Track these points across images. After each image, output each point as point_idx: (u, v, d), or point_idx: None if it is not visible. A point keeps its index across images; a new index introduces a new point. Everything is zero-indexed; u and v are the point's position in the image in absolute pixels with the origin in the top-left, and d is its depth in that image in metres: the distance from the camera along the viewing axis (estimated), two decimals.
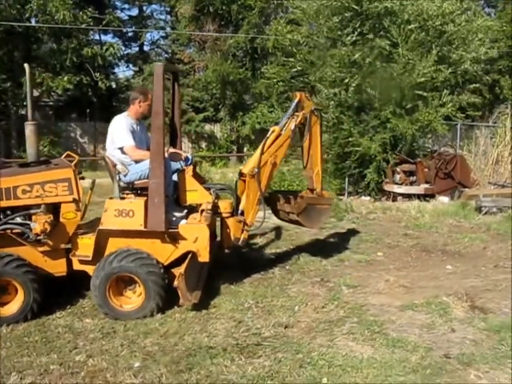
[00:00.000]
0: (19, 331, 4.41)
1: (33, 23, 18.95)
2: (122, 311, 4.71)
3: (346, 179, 12.20)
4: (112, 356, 3.95)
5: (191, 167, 5.20)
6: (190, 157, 5.45)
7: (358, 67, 11.17)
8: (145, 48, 26.86)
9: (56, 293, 5.02)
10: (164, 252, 4.94)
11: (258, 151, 5.41)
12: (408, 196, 11.05)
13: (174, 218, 5.06)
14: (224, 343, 4.10)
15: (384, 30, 11.28)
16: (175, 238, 4.90)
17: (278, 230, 8.27)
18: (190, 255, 4.90)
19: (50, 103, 23.48)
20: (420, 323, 4.51)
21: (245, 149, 23.60)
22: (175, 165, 5.22)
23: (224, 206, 5.26)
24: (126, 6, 25.47)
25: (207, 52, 22.87)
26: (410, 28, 11.54)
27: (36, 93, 20.56)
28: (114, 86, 23.80)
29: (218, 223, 5.66)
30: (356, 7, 11.22)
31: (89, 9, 19.26)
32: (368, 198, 11.85)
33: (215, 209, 5.20)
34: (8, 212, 4.77)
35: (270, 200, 5.61)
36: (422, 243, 7.51)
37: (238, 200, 5.34)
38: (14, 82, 18.81)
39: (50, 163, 5.19)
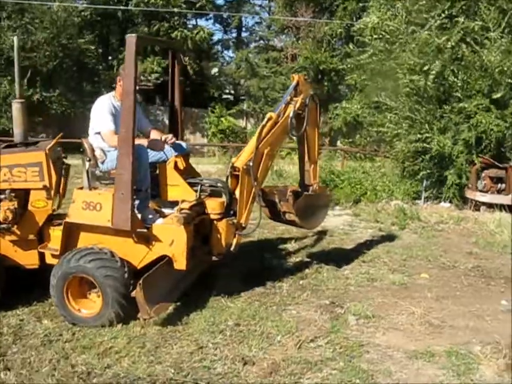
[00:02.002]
0: None
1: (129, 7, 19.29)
2: (79, 316, 4.15)
3: (424, 181, 10.77)
4: (32, 371, 3.41)
5: (173, 158, 4.48)
6: (184, 145, 4.73)
7: (439, 51, 9.65)
8: (243, 34, 26.59)
9: (33, 287, 4.61)
10: (137, 254, 4.31)
11: (254, 141, 4.54)
12: (492, 206, 9.44)
13: (150, 216, 4.39)
14: (159, 376, 3.36)
15: (478, 11, 9.63)
16: (147, 239, 4.25)
17: (320, 235, 7.34)
18: (164, 261, 4.22)
19: (152, 87, 23.80)
20: (425, 381, 3.43)
21: (338, 142, 22.50)
22: (159, 155, 4.51)
23: (212, 206, 4.46)
24: None
25: (301, 39, 21.99)
26: None
27: None
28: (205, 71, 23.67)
29: None
30: None
31: None
32: (448, 204, 10.37)
33: (201, 209, 4.45)
34: None
35: (264, 198, 4.75)
36: (485, 266, 6.16)
37: (231, 199, 4.53)
38: (106, 65, 19.33)
39: (35, 144, 4.76)
